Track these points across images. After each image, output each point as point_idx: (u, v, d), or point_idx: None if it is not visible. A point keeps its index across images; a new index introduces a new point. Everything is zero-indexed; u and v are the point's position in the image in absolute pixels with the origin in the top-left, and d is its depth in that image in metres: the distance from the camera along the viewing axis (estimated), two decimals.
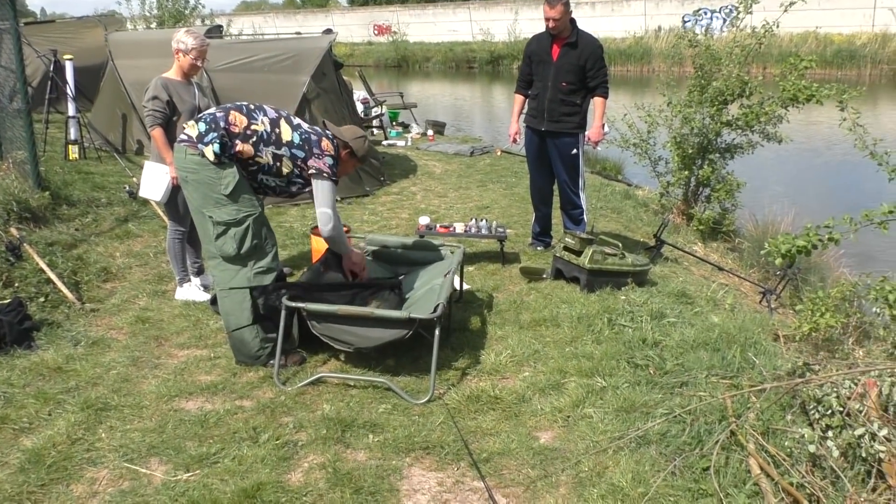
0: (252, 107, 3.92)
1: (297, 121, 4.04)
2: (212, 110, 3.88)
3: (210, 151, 3.72)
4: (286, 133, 3.91)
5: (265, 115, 3.91)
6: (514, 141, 6.06)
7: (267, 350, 3.95)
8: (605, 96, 5.73)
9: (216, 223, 3.77)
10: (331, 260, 4.42)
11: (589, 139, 5.78)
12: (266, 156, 3.85)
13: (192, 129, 3.79)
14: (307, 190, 4.09)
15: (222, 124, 3.77)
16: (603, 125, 5.85)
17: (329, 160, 3.97)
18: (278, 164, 3.90)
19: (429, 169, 9.93)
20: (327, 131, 4.12)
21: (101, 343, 4.29)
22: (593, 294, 4.94)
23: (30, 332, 4.26)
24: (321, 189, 3.97)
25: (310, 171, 3.95)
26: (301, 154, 3.92)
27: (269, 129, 3.87)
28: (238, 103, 3.93)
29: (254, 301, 3.83)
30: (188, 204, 3.91)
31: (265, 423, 3.41)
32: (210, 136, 3.74)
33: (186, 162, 3.76)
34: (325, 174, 3.95)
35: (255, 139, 3.82)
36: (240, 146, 3.79)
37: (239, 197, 3.79)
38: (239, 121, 3.81)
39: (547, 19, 5.54)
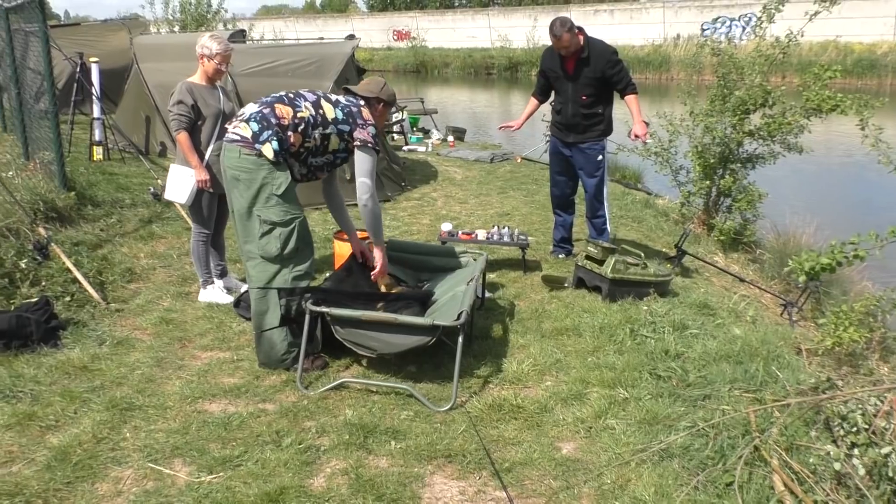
0: (291, 95, 3.97)
1: (334, 97, 4.09)
2: (255, 108, 3.88)
3: (269, 149, 3.75)
4: (329, 111, 3.97)
5: (306, 100, 3.97)
6: (509, 128, 6.08)
7: (293, 354, 3.97)
8: (636, 92, 5.73)
9: (263, 221, 3.79)
10: (354, 266, 4.45)
11: (636, 136, 5.65)
12: (315, 139, 3.92)
13: (244, 129, 3.79)
14: (350, 159, 4.16)
15: (273, 121, 3.81)
16: (644, 121, 5.72)
17: (372, 129, 4.06)
18: (326, 143, 3.98)
19: (449, 175, 9.95)
20: (359, 100, 4.14)
21: (125, 343, 4.33)
22: (615, 304, 4.93)
23: (56, 330, 4.31)
24: (363, 159, 4.04)
25: (355, 143, 4.02)
26: (346, 128, 4.00)
27: (314, 113, 3.92)
28: (277, 95, 3.96)
29: (286, 304, 3.86)
30: (233, 203, 3.89)
31: (288, 427, 3.43)
32: (266, 133, 3.77)
33: (241, 161, 3.76)
34: (369, 144, 4.03)
35: (303, 126, 3.87)
36: (292, 137, 3.84)
37: (288, 198, 3.82)
38: (286, 112, 3.85)
39: (557, 48, 5.59)
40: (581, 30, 5.65)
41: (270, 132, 3.78)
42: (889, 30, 27.37)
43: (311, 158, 4.00)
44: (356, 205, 4.15)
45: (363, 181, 4.03)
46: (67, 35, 13.05)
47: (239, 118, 3.90)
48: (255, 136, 3.77)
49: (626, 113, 5.77)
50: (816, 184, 11.91)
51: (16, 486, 2.92)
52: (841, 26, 24.83)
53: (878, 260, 4.69)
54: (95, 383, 3.81)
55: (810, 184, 11.85)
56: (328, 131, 3.96)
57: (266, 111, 3.84)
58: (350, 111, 4.04)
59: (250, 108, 3.91)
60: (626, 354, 4.20)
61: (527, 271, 5.74)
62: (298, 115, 3.88)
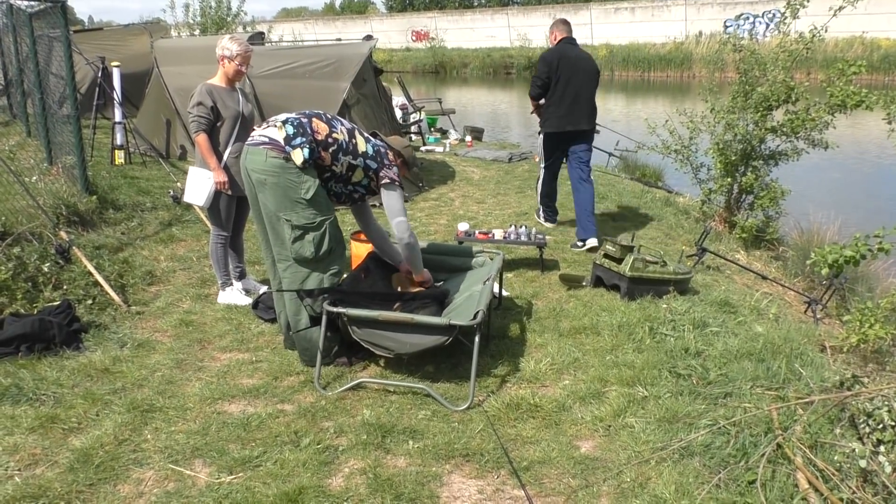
0: (329, 116, 4.01)
1: (366, 133, 4.16)
2: (294, 115, 3.90)
3: (299, 155, 3.75)
4: (361, 144, 4.02)
5: (342, 124, 4.01)
6: None
7: (334, 349, 4.03)
8: (530, 93, 6.66)
9: (294, 227, 3.80)
10: (371, 266, 4.45)
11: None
12: (342, 165, 3.94)
13: (277, 131, 3.80)
14: (367, 197, 4.24)
15: (309, 130, 3.82)
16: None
17: (395, 169, 4.14)
18: (350, 173, 4.00)
19: (467, 175, 9.94)
20: (383, 142, 4.25)
21: (146, 345, 4.37)
22: (634, 302, 4.90)
23: (78, 333, 4.36)
24: (394, 198, 4.11)
25: (382, 182, 4.09)
26: (374, 165, 4.05)
27: (347, 139, 3.95)
28: (316, 111, 4.00)
29: (310, 305, 3.89)
30: (261, 208, 3.90)
31: (306, 428, 3.44)
32: (299, 139, 3.78)
33: (267, 165, 3.76)
34: (396, 182, 4.10)
35: (334, 147, 3.89)
36: (323, 154, 3.86)
37: (317, 201, 3.82)
38: (321, 128, 3.87)
39: None
40: (555, 33, 6.58)
41: (304, 139, 3.78)
42: None
43: (333, 183, 4.01)
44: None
45: (400, 220, 4.13)
46: (89, 40, 13.19)
47: (271, 122, 3.90)
48: (289, 138, 3.77)
49: (650, 113, 5.75)
50: (841, 180, 11.74)
51: (39, 488, 2.95)
52: (867, 22, 24.48)
53: None
54: (117, 385, 3.84)
55: (835, 180, 11.69)
56: (356, 162, 3.98)
57: (304, 120, 3.86)
58: (379, 151, 4.11)
59: (286, 114, 3.93)
60: (645, 353, 4.16)
61: (544, 270, 5.72)
62: (333, 135, 3.90)
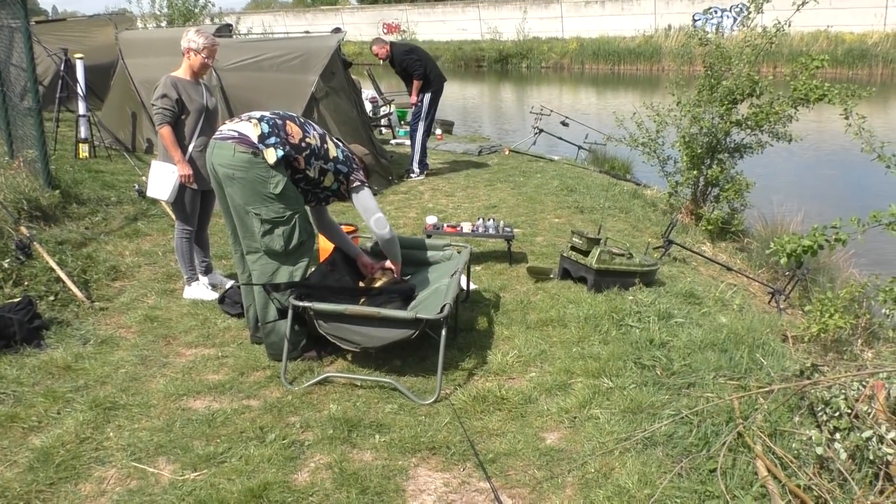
0: (302, 120, 4.01)
1: (335, 138, 4.18)
2: (269, 114, 3.88)
3: (272, 154, 3.71)
4: (332, 149, 4.03)
5: (314, 129, 4.01)
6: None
7: (301, 344, 4.02)
8: (419, 77, 9.02)
9: (263, 220, 3.77)
10: (338, 260, 4.44)
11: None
12: (314, 169, 3.93)
13: (251, 127, 3.75)
14: (332, 200, 4.27)
15: (283, 133, 3.80)
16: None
17: (362, 171, 4.21)
18: (322, 177, 4.00)
19: (436, 168, 9.92)
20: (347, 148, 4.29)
21: (109, 342, 4.31)
22: (600, 294, 4.93)
23: (39, 330, 4.28)
24: (366, 198, 4.16)
25: (353, 185, 4.12)
26: (344, 169, 4.07)
27: (319, 144, 3.96)
28: (289, 114, 3.98)
29: (277, 298, 3.87)
30: (229, 201, 3.86)
31: (272, 423, 3.42)
32: (273, 139, 3.74)
33: (235, 160, 3.70)
34: (365, 183, 4.17)
35: (307, 152, 3.88)
36: (297, 157, 3.84)
37: (286, 196, 3.79)
38: (295, 132, 3.85)
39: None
40: (384, 46, 8.93)
41: (278, 140, 3.75)
42: (879, 20, 27.43)
43: (305, 185, 4.00)
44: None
45: (378, 217, 4.18)
46: (52, 31, 12.93)
47: (244, 117, 3.86)
48: (263, 136, 3.73)
49: (619, 106, 5.79)
50: (805, 173, 11.93)
51: None
52: (832, 16, 24.84)
53: (863, 247, 4.70)
54: (79, 383, 3.79)
55: (799, 173, 11.88)
56: (327, 167, 3.99)
57: (279, 122, 3.83)
58: (348, 156, 4.13)
59: (260, 112, 3.90)
60: (610, 344, 4.20)
61: (512, 263, 5.74)
62: (307, 139, 3.89)
